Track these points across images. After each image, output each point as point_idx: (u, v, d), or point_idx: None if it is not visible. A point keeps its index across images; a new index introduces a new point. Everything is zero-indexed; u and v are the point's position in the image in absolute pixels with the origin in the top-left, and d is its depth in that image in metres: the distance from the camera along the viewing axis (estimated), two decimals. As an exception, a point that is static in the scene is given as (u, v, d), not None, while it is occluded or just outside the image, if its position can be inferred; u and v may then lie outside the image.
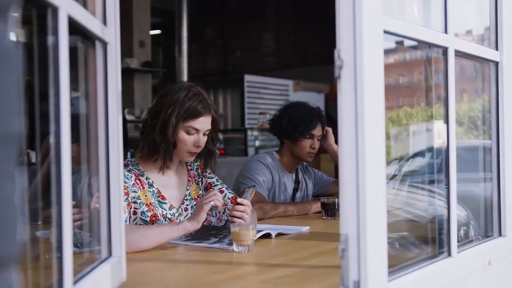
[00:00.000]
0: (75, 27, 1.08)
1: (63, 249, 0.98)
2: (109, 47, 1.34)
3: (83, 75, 1.31)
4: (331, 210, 2.63)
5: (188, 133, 2.18)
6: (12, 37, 0.61)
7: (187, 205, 2.32)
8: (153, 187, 2.22)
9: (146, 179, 2.22)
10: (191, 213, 2.28)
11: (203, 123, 2.19)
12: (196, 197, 2.35)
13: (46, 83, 0.99)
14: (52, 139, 0.98)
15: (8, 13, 0.60)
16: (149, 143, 2.19)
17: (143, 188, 2.18)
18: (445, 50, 1.50)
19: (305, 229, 2.33)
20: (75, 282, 1.05)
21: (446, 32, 1.50)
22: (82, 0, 1.17)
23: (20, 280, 0.63)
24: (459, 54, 1.55)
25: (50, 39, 0.99)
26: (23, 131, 0.62)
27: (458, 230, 1.57)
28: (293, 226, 2.33)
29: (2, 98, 0.57)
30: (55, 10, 0.97)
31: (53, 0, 0.95)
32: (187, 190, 2.34)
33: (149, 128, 2.19)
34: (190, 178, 2.36)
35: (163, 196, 2.23)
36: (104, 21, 1.33)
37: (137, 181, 2.16)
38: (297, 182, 3.12)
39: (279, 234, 2.17)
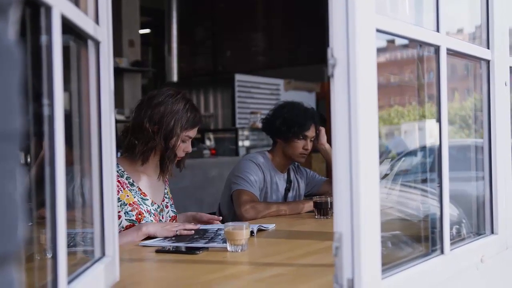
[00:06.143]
0: (67, 26, 1.08)
1: (58, 249, 0.98)
2: (102, 46, 1.33)
3: (75, 74, 1.30)
4: (323, 209, 2.63)
5: (184, 141, 2.28)
6: (12, 35, 0.61)
7: (166, 202, 2.41)
8: (134, 186, 2.27)
9: (126, 179, 2.26)
10: (171, 210, 2.42)
11: (196, 131, 2.33)
12: (170, 197, 2.47)
13: (38, 82, 0.99)
14: (45, 140, 0.98)
15: (8, 12, 0.60)
16: (149, 150, 2.24)
17: (124, 188, 2.20)
18: (437, 49, 1.50)
19: (271, 226, 2.35)
20: (69, 282, 1.05)
21: (438, 30, 1.50)
22: (74, -1, 1.16)
23: (21, 278, 0.63)
24: (451, 52, 1.56)
25: (43, 38, 0.98)
26: (23, 130, 0.62)
27: (450, 228, 1.57)
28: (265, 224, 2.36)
29: (4, 96, 0.56)
30: (48, 9, 0.97)
31: (46, -2, 0.94)
32: (165, 189, 2.43)
33: (148, 135, 2.22)
34: (166, 179, 2.45)
35: (144, 193, 2.29)
36: (97, 20, 1.32)
37: (117, 182, 2.18)
38: (289, 181, 3.11)
39: (259, 230, 2.22)
